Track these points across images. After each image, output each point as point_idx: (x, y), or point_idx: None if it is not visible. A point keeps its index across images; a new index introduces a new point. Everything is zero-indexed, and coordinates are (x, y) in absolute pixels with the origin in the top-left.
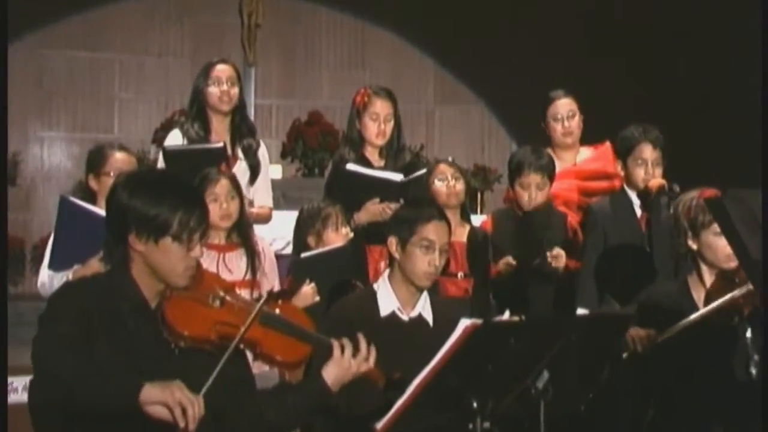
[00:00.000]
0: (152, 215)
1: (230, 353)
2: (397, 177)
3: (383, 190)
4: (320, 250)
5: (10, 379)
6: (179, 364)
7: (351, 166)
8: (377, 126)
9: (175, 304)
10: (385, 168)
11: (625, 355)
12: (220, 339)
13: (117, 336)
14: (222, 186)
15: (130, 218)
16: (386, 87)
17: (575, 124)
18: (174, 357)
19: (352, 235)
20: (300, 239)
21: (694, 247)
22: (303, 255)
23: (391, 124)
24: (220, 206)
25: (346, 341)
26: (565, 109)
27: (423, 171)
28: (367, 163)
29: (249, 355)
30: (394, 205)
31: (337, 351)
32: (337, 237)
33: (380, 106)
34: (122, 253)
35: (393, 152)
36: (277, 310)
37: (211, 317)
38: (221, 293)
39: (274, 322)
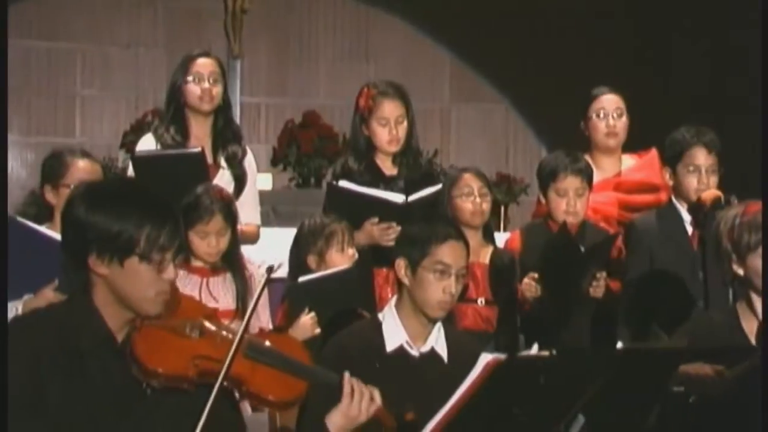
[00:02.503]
0: (115, 232)
1: (215, 395)
2: (398, 198)
3: (382, 210)
4: (322, 273)
5: None
6: (151, 407)
7: (344, 183)
8: (388, 132)
9: (146, 336)
10: (398, 178)
11: (692, 399)
12: (200, 376)
13: (76, 379)
14: (215, 223)
15: (89, 236)
16: (394, 82)
17: (621, 125)
18: (145, 399)
19: (355, 254)
20: (299, 259)
21: (741, 272)
22: (301, 279)
23: (404, 125)
24: (208, 244)
25: (356, 382)
26: (612, 106)
27: (432, 190)
28: (378, 173)
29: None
30: (395, 227)
31: (347, 398)
32: (342, 258)
33: (389, 109)
34: (82, 279)
35: (408, 159)
36: (268, 342)
37: (189, 350)
38: (201, 321)
39: (264, 356)
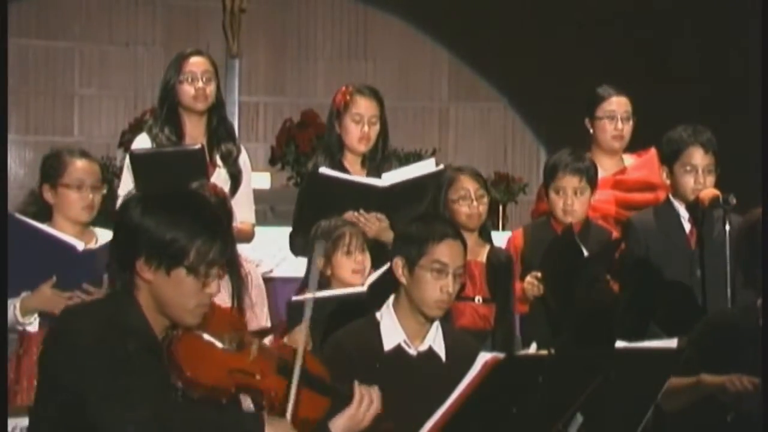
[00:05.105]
0: (167, 240)
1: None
2: (379, 182)
3: (363, 199)
4: (327, 293)
5: None
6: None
7: (325, 170)
8: (360, 129)
9: (187, 345)
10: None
11: (730, 417)
12: (237, 390)
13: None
14: None
15: (140, 241)
16: (371, 86)
17: (629, 128)
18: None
19: (368, 262)
20: (309, 261)
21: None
22: (296, 298)
23: (377, 128)
24: None
25: (365, 390)
26: (622, 109)
27: (413, 176)
28: (345, 173)
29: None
30: (374, 215)
31: (356, 404)
32: (348, 261)
33: (364, 106)
34: (127, 281)
35: (377, 162)
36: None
37: (227, 363)
38: (239, 334)
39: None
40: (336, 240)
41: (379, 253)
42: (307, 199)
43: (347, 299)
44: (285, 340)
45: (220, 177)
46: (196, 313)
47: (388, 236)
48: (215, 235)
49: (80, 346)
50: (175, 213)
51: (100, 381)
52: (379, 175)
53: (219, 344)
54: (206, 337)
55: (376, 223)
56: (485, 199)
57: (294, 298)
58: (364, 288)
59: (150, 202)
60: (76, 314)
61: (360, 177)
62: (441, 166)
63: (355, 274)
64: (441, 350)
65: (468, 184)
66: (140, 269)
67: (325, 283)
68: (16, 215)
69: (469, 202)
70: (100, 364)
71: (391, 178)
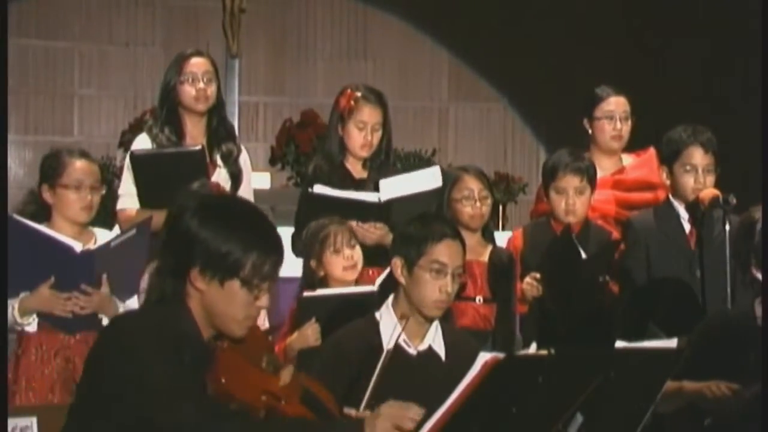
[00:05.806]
0: (223, 252)
1: None
2: (372, 197)
3: (358, 212)
4: (338, 290)
5: None
6: None
7: (319, 189)
8: (363, 136)
9: (232, 359)
10: (368, 181)
11: (707, 422)
12: (266, 412)
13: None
14: None
15: (196, 250)
16: (375, 89)
17: (627, 128)
18: None
19: (358, 256)
20: (305, 263)
21: (759, 276)
22: (307, 294)
23: (379, 134)
24: None
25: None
26: (620, 109)
27: (408, 193)
28: (347, 175)
29: None
30: (371, 225)
31: None
32: (338, 259)
33: (368, 114)
34: (179, 289)
35: (378, 164)
36: (306, 383)
37: (262, 384)
38: (274, 358)
39: (316, 406)
40: (323, 241)
41: (382, 253)
42: (304, 214)
43: (349, 298)
44: (294, 335)
45: (220, 177)
46: (244, 325)
47: (389, 240)
48: (270, 249)
49: (135, 346)
50: (232, 225)
51: (156, 375)
52: (380, 177)
53: (257, 364)
54: (247, 354)
55: (375, 233)
56: (489, 200)
57: (306, 293)
58: (375, 288)
59: (207, 212)
60: (129, 318)
61: (355, 193)
62: (440, 185)
63: (346, 270)
64: (441, 350)
65: (472, 184)
66: (194, 278)
67: (319, 283)
68: (15, 216)
69: (472, 202)
70: (155, 362)
71: (389, 190)
